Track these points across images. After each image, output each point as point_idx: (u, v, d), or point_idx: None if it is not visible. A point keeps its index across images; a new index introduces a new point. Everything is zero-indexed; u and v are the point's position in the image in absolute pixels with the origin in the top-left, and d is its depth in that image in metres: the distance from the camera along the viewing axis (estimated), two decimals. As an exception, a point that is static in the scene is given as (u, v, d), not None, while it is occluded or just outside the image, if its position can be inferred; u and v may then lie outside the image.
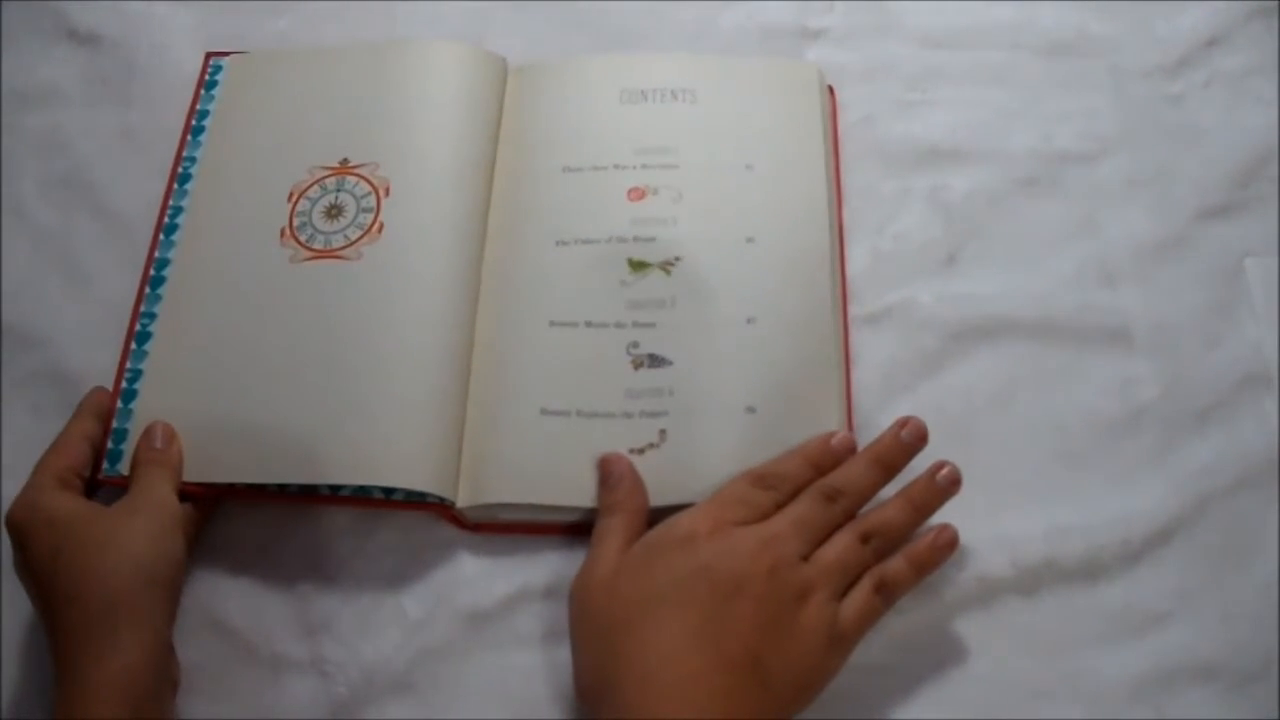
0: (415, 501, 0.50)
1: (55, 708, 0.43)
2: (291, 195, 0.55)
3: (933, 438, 0.52)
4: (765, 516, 0.46)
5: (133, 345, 0.53)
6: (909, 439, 0.49)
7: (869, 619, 0.45)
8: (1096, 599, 0.49)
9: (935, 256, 0.57)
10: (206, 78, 0.60)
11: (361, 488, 0.50)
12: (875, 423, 0.53)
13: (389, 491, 0.50)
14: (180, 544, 0.47)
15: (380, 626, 0.49)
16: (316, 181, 0.55)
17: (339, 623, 0.50)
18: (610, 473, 0.49)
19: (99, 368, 0.53)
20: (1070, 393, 0.54)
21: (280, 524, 0.51)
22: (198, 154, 0.58)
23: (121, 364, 0.53)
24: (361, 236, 0.53)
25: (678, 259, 0.53)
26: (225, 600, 0.50)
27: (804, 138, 0.57)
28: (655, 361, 0.51)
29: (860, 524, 0.46)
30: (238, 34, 0.63)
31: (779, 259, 0.54)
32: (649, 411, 0.50)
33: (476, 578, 0.50)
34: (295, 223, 0.54)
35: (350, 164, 0.55)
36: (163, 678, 0.45)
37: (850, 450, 0.49)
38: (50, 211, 0.59)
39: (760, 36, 0.63)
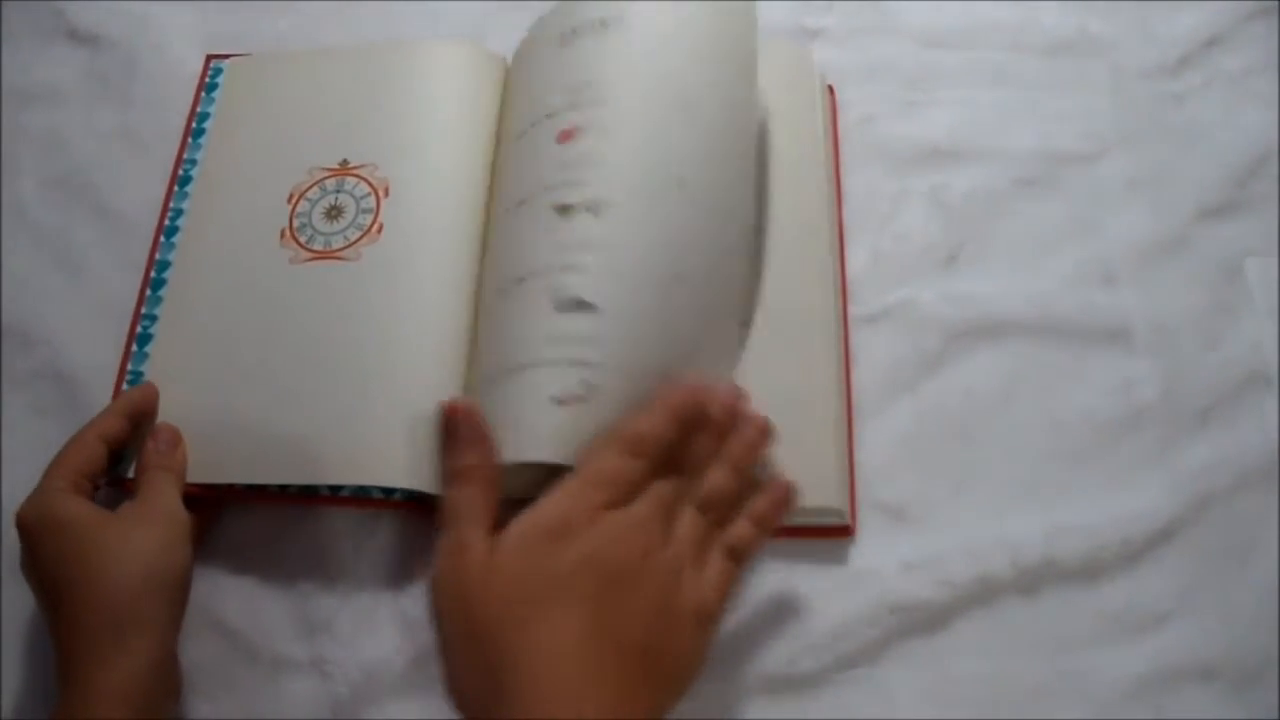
0: (415, 501, 0.50)
1: (56, 710, 0.43)
2: (291, 197, 0.55)
3: (933, 438, 0.53)
4: (634, 491, 0.43)
5: (133, 347, 0.53)
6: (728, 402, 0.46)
7: (728, 588, 0.43)
8: (1096, 599, 0.49)
9: (935, 256, 0.57)
10: (207, 80, 0.60)
11: (361, 488, 0.50)
12: (875, 423, 0.53)
13: (389, 491, 0.50)
14: (188, 554, 0.47)
15: (380, 626, 0.49)
16: (316, 183, 0.55)
17: (339, 623, 0.50)
18: (459, 427, 0.44)
19: (99, 368, 0.53)
20: (1070, 392, 0.54)
21: (280, 524, 0.52)
22: (198, 156, 0.58)
23: (122, 366, 0.53)
24: (361, 237, 0.53)
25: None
26: (225, 600, 0.50)
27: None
28: (579, 306, 0.46)
29: (694, 497, 0.44)
30: (238, 34, 0.63)
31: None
32: (572, 360, 0.45)
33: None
34: (295, 224, 0.54)
35: (350, 165, 0.55)
36: (165, 686, 0.45)
37: (705, 405, 0.45)
38: (50, 211, 0.59)
39: (760, 36, 0.63)
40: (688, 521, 0.43)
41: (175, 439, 0.49)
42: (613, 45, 0.51)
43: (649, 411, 0.44)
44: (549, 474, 0.44)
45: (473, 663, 0.40)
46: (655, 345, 0.46)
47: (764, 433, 0.46)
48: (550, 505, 0.42)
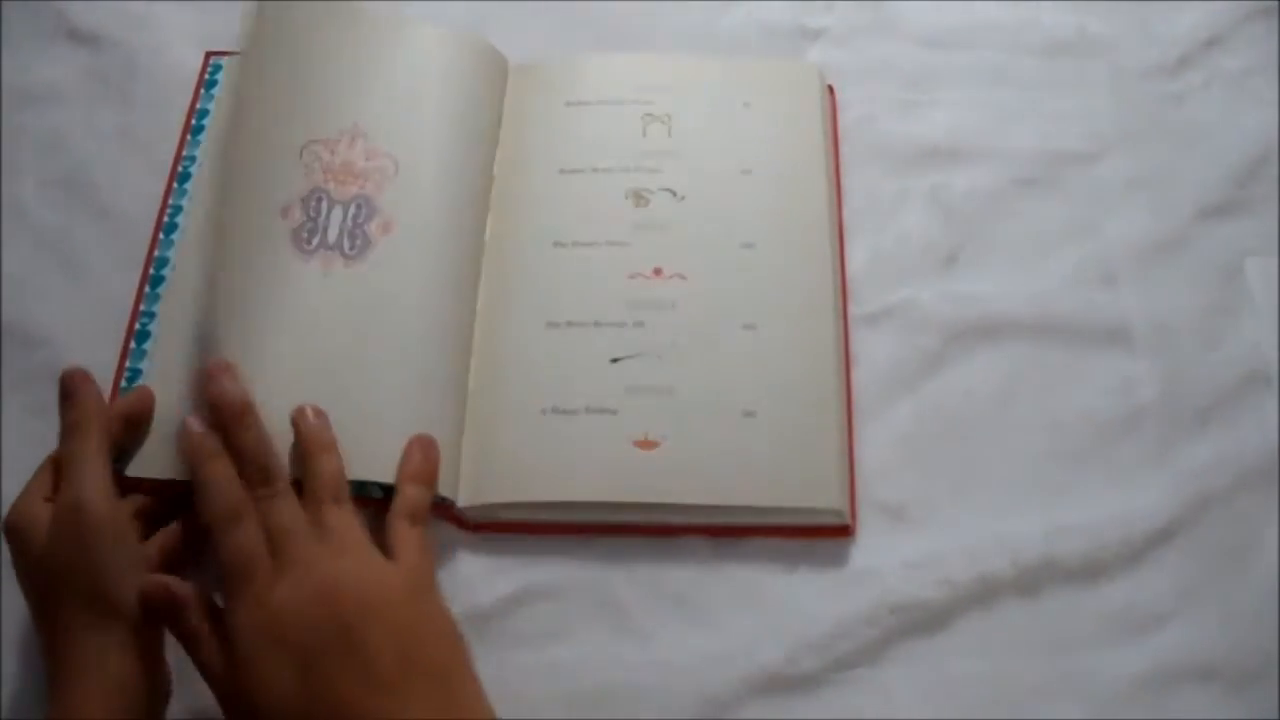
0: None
1: (48, 712, 0.43)
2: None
3: (933, 438, 0.52)
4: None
5: (132, 344, 0.53)
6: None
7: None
8: (1096, 599, 0.49)
9: (935, 256, 0.57)
10: (206, 77, 0.60)
11: (361, 486, 0.50)
12: (875, 423, 0.53)
13: (389, 489, 0.50)
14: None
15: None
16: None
17: (339, 623, 0.49)
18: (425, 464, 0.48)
19: (99, 367, 0.53)
20: (1070, 392, 0.54)
21: (280, 524, 0.51)
22: (198, 153, 0.58)
23: (121, 363, 0.53)
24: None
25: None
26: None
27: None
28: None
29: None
30: (237, 34, 0.62)
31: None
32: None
33: (476, 578, 0.50)
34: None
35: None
36: (154, 688, 0.45)
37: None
38: (50, 211, 0.59)
39: (760, 36, 0.63)
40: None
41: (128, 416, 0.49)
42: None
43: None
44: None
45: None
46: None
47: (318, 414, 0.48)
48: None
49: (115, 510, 0.45)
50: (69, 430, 0.47)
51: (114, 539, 0.45)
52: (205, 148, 0.58)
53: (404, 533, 0.46)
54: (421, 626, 0.43)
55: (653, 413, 0.51)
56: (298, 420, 0.48)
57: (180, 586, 0.43)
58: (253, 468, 0.45)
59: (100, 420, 0.47)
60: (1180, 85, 0.61)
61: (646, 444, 0.50)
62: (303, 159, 0.54)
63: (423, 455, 0.49)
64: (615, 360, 0.52)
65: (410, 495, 0.47)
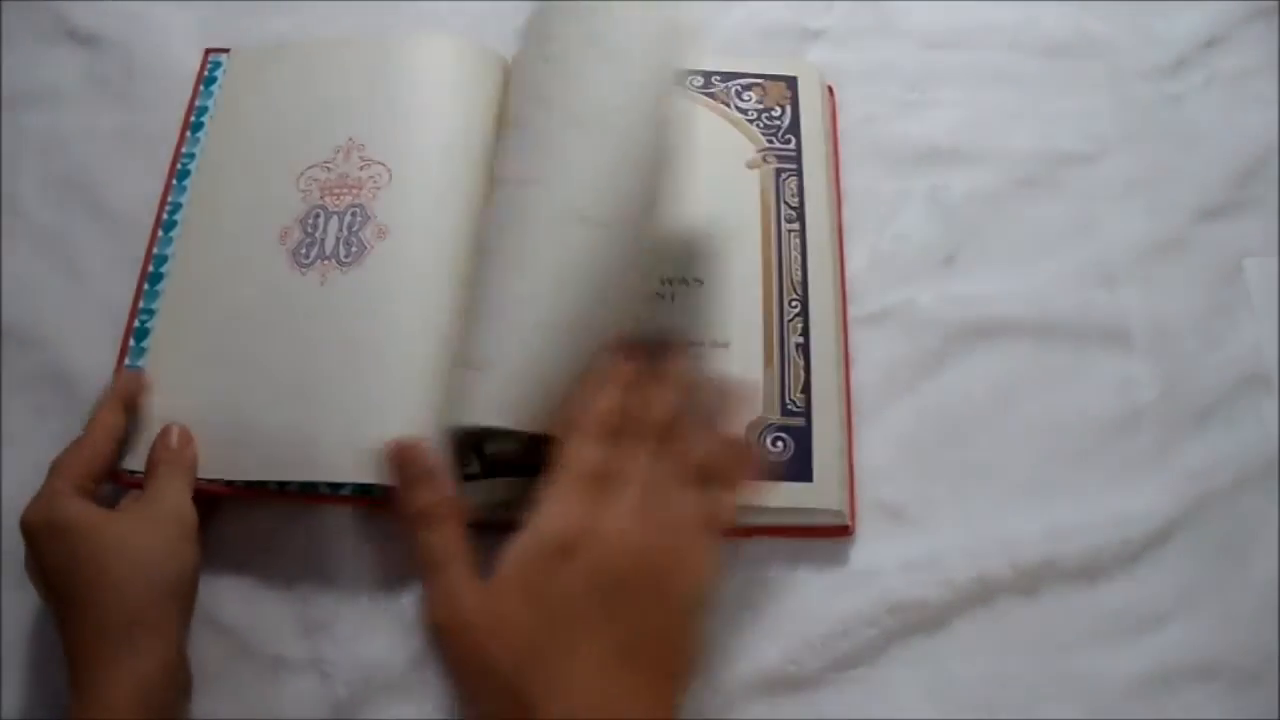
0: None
1: (69, 713, 0.43)
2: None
3: (933, 438, 0.52)
4: (617, 473, 0.41)
5: (131, 342, 0.53)
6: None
7: (717, 566, 0.41)
8: (1096, 599, 0.49)
9: (935, 256, 0.57)
10: (205, 74, 0.60)
11: (362, 486, 0.50)
12: (875, 423, 0.53)
13: (389, 490, 0.50)
14: (195, 553, 0.47)
15: (379, 626, 0.49)
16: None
17: (339, 623, 0.49)
18: (406, 468, 0.43)
19: (99, 367, 0.53)
20: (1069, 392, 0.54)
21: (280, 524, 0.51)
22: (197, 150, 0.58)
23: (120, 360, 0.53)
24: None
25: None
26: (225, 600, 0.50)
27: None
28: None
29: (672, 466, 0.42)
30: (238, 34, 0.63)
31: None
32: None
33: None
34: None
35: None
36: (176, 685, 0.45)
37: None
38: (50, 211, 0.59)
39: (760, 36, 0.63)
40: (674, 500, 0.41)
41: (186, 437, 0.49)
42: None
43: (600, 387, 0.42)
44: (515, 489, 0.43)
45: (498, 708, 0.38)
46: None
47: (727, 391, 0.45)
48: (545, 523, 0.40)
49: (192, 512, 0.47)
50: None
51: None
52: (204, 145, 0.58)
53: None
54: None
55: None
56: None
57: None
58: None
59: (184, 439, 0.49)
60: (1180, 86, 0.61)
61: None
62: (299, 185, 0.55)
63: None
64: None
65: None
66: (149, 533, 0.45)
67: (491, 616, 0.39)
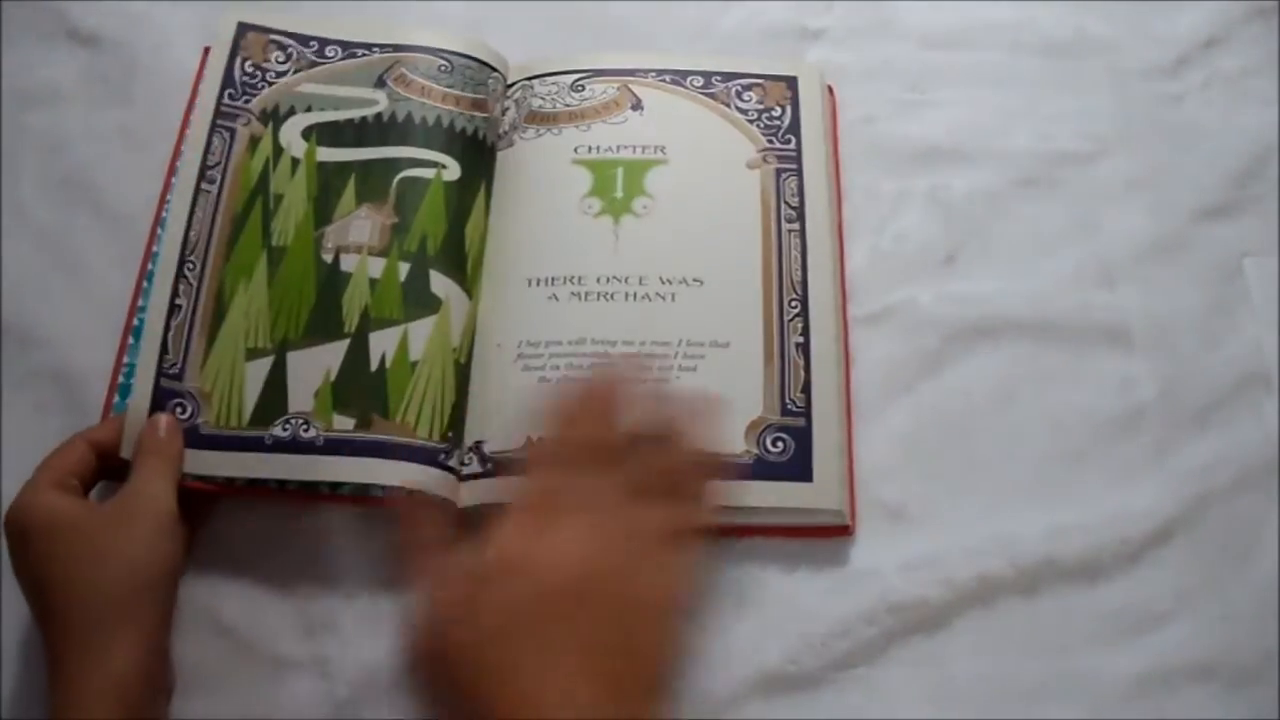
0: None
1: (49, 711, 0.43)
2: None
3: (932, 438, 0.52)
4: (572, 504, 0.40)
5: (129, 340, 0.53)
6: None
7: (690, 573, 0.40)
8: (1096, 599, 0.49)
9: (935, 256, 0.57)
10: (205, 73, 0.60)
11: (362, 486, 0.50)
12: (875, 423, 0.53)
13: (388, 490, 0.50)
14: (176, 546, 0.46)
15: (380, 626, 0.49)
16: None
17: (339, 623, 0.49)
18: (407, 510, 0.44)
19: (99, 367, 0.53)
20: (1069, 392, 0.54)
21: (280, 524, 0.51)
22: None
23: (118, 358, 0.53)
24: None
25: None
26: (225, 600, 0.50)
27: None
28: None
29: (637, 480, 0.41)
30: (238, 34, 0.63)
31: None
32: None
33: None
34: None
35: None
36: (156, 684, 0.45)
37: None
38: (50, 211, 0.59)
39: (760, 36, 0.63)
40: (631, 516, 0.40)
41: (173, 427, 0.49)
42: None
43: (551, 419, 0.42)
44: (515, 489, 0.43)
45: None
46: None
47: (696, 405, 0.43)
48: (489, 550, 0.39)
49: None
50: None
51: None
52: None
53: None
54: None
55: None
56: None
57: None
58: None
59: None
60: (1180, 85, 0.61)
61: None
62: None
63: None
64: None
65: None
66: (124, 527, 0.45)
67: (438, 640, 0.38)
